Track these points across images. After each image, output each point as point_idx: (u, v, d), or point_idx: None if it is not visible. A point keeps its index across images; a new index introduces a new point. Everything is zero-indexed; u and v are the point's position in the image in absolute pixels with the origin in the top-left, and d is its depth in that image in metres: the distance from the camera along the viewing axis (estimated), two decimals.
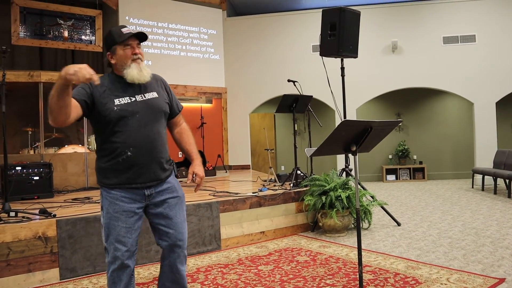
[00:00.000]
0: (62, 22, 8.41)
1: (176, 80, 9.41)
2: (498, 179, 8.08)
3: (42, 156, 6.12)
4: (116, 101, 2.22)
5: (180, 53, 9.58)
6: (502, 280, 3.12)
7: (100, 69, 9.50)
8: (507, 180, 7.52)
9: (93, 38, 8.71)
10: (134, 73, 2.24)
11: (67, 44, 8.46)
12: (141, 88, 2.31)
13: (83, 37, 8.62)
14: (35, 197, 5.25)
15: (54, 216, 3.71)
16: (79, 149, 6.63)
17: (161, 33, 9.36)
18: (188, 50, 9.70)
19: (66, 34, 8.43)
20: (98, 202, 4.61)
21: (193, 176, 2.42)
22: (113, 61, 2.28)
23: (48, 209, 3.94)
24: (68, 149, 6.59)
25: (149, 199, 2.31)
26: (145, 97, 2.30)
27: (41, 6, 8.18)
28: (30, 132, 6.90)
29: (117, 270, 2.22)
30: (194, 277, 3.47)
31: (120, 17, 8.80)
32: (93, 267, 3.68)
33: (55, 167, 5.90)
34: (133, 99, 2.26)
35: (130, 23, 8.90)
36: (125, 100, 2.24)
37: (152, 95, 2.33)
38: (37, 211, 3.90)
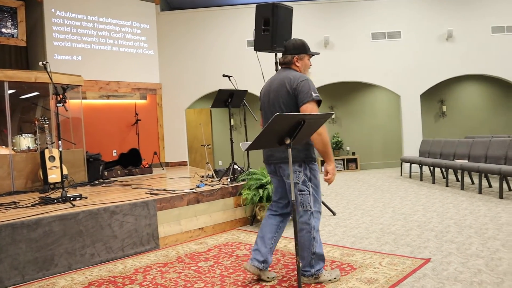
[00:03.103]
0: None
1: (108, 76, 9.08)
2: (424, 167, 8.62)
3: None
4: None
5: (112, 48, 9.24)
6: (427, 260, 3.35)
7: (25, 64, 8.94)
8: (431, 168, 8.05)
9: (15, 31, 8.16)
10: (313, 80, 2.90)
11: None
12: None
13: (3, 30, 8.05)
14: None
15: None
16: (3, 150, 6.18)
17: (91, 27, 8.96)
18: (120, 45, 9.38)
19: None
20: (26, 207, 4.37)
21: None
22: (298, 64, 2.95)
23: None
24: None
25: None
26: None
27: None
28: None
29: (319, 222, 2.92)
30: (132, 278, 3.38)
31: (45, 10, 8.31)
32: (21, 276, 3.47)
33: None
34: None
35: (57, 16, 8.44)
36: None
37: None
38: None
